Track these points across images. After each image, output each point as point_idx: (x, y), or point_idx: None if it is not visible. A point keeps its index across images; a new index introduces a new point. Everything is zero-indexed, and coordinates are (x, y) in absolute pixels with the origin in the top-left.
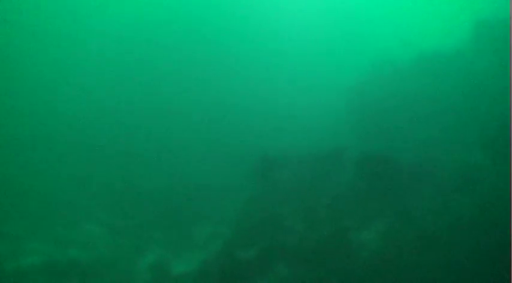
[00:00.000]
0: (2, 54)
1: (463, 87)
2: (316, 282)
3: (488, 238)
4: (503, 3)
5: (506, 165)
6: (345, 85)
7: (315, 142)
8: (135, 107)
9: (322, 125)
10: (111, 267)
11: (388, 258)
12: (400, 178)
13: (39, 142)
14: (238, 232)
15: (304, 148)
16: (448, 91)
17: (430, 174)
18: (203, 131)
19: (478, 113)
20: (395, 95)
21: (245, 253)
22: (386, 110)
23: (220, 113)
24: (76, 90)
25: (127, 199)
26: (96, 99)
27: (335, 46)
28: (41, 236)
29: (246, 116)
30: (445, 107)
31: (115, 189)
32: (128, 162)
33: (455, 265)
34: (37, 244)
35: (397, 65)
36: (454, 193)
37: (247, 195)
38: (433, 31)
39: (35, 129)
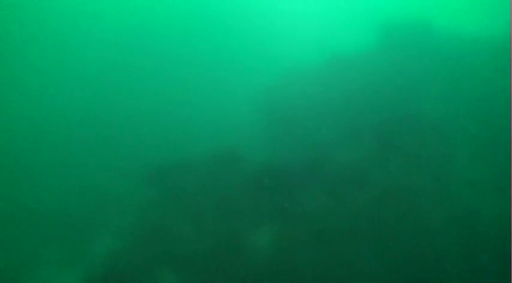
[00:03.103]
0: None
1: (368, 86)
2: None
3: (383, 232)
4: (416, 5)
5: (397, 160)
6: (254, 89)
7: (215, 147)
8: (23, 118)
9: (227, 129)
10: None
11: (283, 258)
12: (294, 178)
13: None
14: (129, 242)
15: (203, 152)
16: (354, 91)
17: (323, 173)
18: (94, 136)
19: (377, 111)
20: (302, 98)
21: (132, 263)
22: (292, 113)
23: (112, 115)
24: None
25: (14, 213)
26: None
27: (245, 49)
28: None
29: (142, 118)
30: (348, 107)
31: None
32: (14, 171)
33: (352, 262)
34: None
35: (308, 67)
36: (347, 189)
37: (142, 202)
38: (342, 32)
39: None
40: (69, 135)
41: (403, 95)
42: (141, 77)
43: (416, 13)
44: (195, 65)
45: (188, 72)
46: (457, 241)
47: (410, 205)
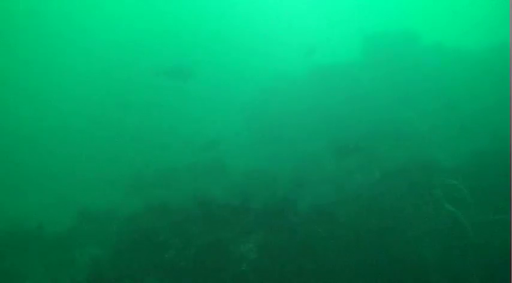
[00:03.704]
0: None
1: (354, 97)
2: None
3: (366, 243)
4: (393, 16)
5: (378, 170)
6: (241, 99)
7: (202, 156)
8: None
9: (213, 139)
10: None
11: (268, 268)
12: (278, 188)
13: None
14: (114, 253)
15: (190, 161)
16: (340, 102)
17: (307, 183)
18: (81, 146)
19: (359, 122)
20: (286, 109)
21: (117, 273)
22: (278, 124)
23: (97, 125)
24: None
25: None
26: None
27: (231, 61)
28: None
29: (128, 128)
30: (330, 117)
31: None
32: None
33: (337, 271)
34: None
35: (292, 78)
36: (331, 199)
37: (126, 213)
38: (330, 44)
39: None
40: (55, 146)
41: (388, 106)
42: (126, 88)
43: (403, 26)
44: (182, 75)
45: (175, 82)
46: (440, 251)
47: (394, 216)
